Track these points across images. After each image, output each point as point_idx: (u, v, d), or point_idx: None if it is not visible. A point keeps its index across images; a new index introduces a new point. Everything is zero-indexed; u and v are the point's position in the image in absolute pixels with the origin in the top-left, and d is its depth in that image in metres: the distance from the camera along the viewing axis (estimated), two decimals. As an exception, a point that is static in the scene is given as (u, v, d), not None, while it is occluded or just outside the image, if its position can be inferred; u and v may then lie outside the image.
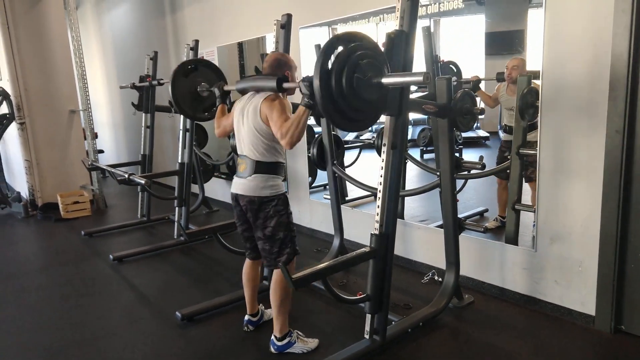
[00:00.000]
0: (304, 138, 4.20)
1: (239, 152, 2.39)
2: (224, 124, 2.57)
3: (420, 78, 1.76)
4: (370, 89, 1.86)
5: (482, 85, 3.32)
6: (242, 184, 2.33)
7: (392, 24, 2.21)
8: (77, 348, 2.63)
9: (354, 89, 1.81)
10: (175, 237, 4.48)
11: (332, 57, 1.83)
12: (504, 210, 3.33)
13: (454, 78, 3.27)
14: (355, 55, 1.81)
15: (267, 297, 2.89)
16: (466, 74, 3.38)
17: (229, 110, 2.61)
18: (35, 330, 2.87)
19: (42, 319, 3.02)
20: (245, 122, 2.32)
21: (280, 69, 2.32)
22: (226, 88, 2.69)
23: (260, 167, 2.29)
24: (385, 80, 1.86)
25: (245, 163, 2.32)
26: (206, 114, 3.08)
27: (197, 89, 2.96)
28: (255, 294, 2.67)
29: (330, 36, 3.94)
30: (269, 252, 2.36)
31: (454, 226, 2.77)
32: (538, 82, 2.62)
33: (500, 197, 3.43)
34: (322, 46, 1.83)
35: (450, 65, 3.40)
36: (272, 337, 2.45)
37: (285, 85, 2.20)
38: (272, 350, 2.44)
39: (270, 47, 3.36)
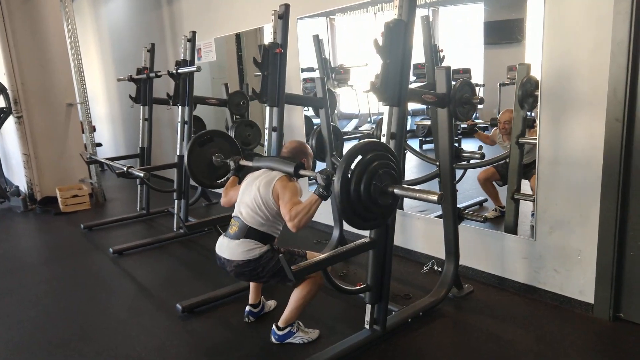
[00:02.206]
0: (303, 129, 4.20)
1: (234, 214, 2.39)
2: (231, 194, 2.58)
3: (435, 198, 1.78)
4: (385, 195, 1.95)
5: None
6: (229, 248, 2.30)
7: (390, 13, 2.20)
8: (78, 341, 2.64)
9: (370, 194, 1.91)
10: (175, 229, 4.48)
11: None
12: (498, 201, 3.34)
13: None
14: (374, 165, 1.91)
15: (268, 288, 2.90)
16: (465, 64, 3.36)
17: (239, 182, 2.61)
18: (36, 324, 2.88)
19: (43, 312, 3.03)
20: (253, 191, 2.32)
21: (299, 156, 2.43)
22: (242, 163, 2.74)
23: (251, 234, 2.28)
24: (397, 192, 1.93)
25: (238, 226, 2.31)
26: (220, 181, 3.13)
27: (212, 159, 3.00)
28: (260, 283, 2.68)
29: (328, 26, 3.92)
30: (283, 277, 2.28)
31: (453, 216, 2.77)
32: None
33: (487, 192, 3.43)
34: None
35: None
36: (274, 326, 2.46)
37: (302, 172, 2.27)
38: (273, 339, 2.45)
39: (268, 37, 3.33)
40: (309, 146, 2.59)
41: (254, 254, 2.26)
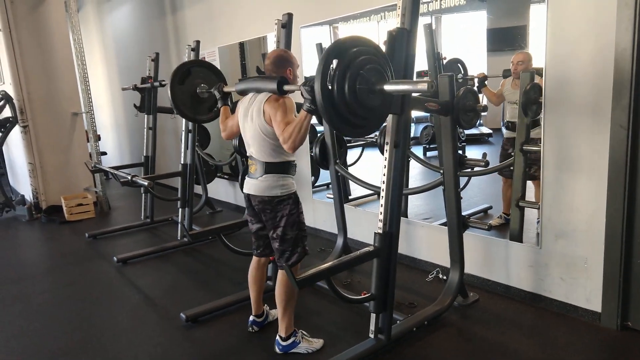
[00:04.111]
0: (307, 137, 4.20)
1: (248, 154, 2.40)
2: (229, 125, 2.56)
3: (425, 86, 1.69)
4: (374, 95, 1.82)
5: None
6: (254, 185, 2.34)
7: (393, 22, 2.20)
8: (82, 351, 2.64)
9: (357, 96, 1.76)
10: (179, 238, 4.48)
11: (334, 63, 1.76)
12: (509, 207, 3.32)
13: (459, 75, 3.25)
14: (357, 62, 1.75)
15: (272, 297, 2.89)
16: (469, 71, 3.37)
17: (232, 111, 2.59)
18: (40, 332, 2.88)
19: (47, 321, 3.03)
20: (250, 124, 2.31)
21: (283, 66, 2.31)
22: (226, 89, 2.67)
23: (271, 168, 2.29)
24: (387, 87, 1.82)
25: (256, 164, 2.33)
26: (207, 115, 3.07)
27: (197, 91, 2.94)
28: (260, 294, 2.67)
29: (332, 35, 3.93)
30: (282, 252, 2.36)
31: (458, 224, 2.75)
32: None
33: (505, 195, 3.42)
34: (323, 50, 1.78)
35: (458, 64, 3.38)
36: (277, 337, 2.45)
37: (286, 87, 2.16)
38: (277, 350, 2.44)
39: (271, 46, 3.35)
40: (292, 53, 2.42)
41: (276, 192, 2.29)
